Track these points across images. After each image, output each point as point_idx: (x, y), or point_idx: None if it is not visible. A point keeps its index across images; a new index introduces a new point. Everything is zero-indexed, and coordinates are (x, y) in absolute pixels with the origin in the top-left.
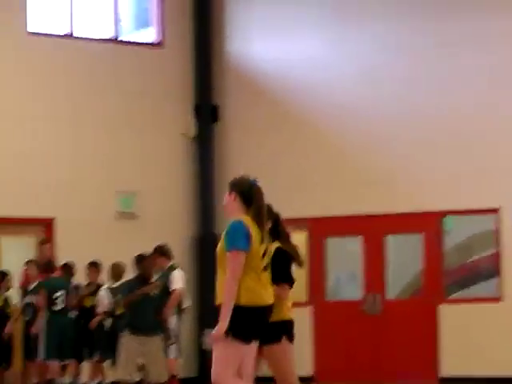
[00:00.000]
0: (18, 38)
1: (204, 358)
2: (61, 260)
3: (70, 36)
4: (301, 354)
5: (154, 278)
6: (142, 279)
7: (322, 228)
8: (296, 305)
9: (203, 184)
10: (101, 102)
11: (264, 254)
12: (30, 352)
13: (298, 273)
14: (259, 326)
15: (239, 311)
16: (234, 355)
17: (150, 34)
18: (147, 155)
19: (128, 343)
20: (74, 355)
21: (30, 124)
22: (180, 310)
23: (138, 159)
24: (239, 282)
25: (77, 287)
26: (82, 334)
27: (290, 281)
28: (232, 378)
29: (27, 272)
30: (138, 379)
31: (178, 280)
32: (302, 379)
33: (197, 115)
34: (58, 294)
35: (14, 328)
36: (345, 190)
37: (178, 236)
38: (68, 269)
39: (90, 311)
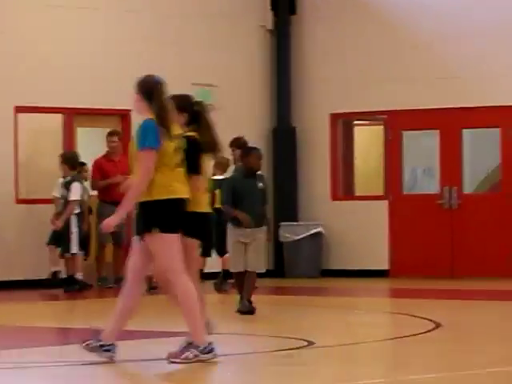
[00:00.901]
0: None
1: (281, 251)
2: None
3: None
4: (377, 247)
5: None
6: (250, 173)
7: (399, 121)
8: (372, 198)
9: (280, 76)
10: None
11: (177, 150)
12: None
13: (374, 167)
14: (180, 217)
15: (158, 205)
16: (173, 247)
17: None
18: (224, 47)
19: (234, 235)
20: None
21: (110, 16)
22: None
23: (215, 51)
24: (154, 178)
25: None
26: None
27: (197, 172)
28: (180, 272)
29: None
30: (242, 270)
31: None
32: (377, 272)
33: (274, 7)
34: None
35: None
36: (422, 84)
37: (255, 128)
38: None
39: None
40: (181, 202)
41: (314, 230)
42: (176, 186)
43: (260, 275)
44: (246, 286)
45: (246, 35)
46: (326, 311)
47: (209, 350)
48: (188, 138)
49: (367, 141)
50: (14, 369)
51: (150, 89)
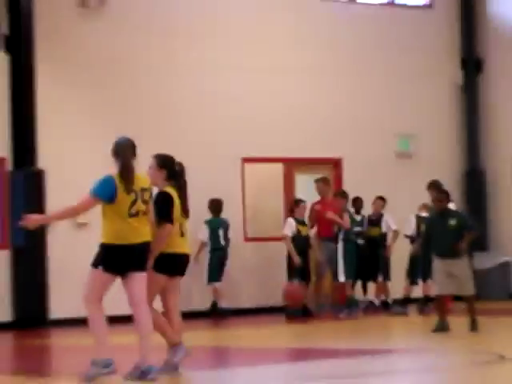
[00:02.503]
0: (307, 3)
1: (474, 276)
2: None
3: (353, 1)
4: None
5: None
6: (439, 212)
7: None
8: None
9: (470, 127)
10: (381, 57)
11: (135, 202)
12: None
13: None
14: (125, 261)
15: (106, 248)
16: (102, 283)
17: None
18: (421, 102)
19: (436, 265)
20: (364, 276)
21: (313, 81)
22: None
23: (413, 106)
24: (107, 225)
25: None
26: (368, 260)
27: (166, 220)
28: (94, 302)
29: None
30: (442, 293)
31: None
32: None
33: (463, 67)
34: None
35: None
36: None
37: (449, 172)
38: (358, 202)
39: (376, 240)
40: (128, 248)
41: (503, 260)
42: (127, 233)
43: (457, 297)
44: (468, 309)
45: (439, 92)
46: None
47: (107, 365)
48: (161, 192)
49: None
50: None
51: (116, 149)
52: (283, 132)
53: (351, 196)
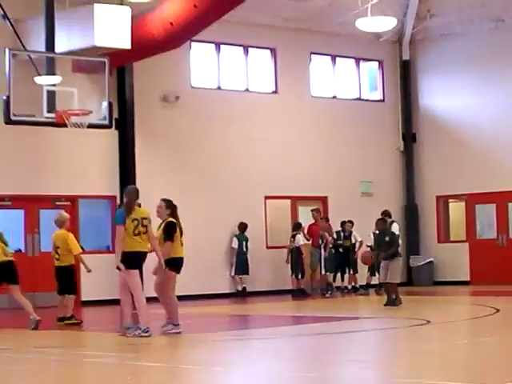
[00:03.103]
0: (305, 100)
1: (410, 271)
2: (333, 220)
3: (334, 98)
4: (461, 266)
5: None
6: (381, 233)
7: (473, 199)
8: (459, 241)
9: (408, 176)
10: (352, 132)
11: (137, 226)
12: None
13: (460, 225)
14: (136, 262)
15: (124, 254)
16: (134, 277)
17: (377, 94)
18: (377, 161)
19: (381, 264)
20: (340, 271)
21: (309, 147)
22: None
23: (372, 163)
24: (124, 239)
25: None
26: (343, 260)
27: (169, 239)
28: (140, 290)
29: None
30: (384, 281)
31: (396, 228)
32: (463, 282)
33: (403, 139)
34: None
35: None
36: (489, 176)
37: (394, 205)
38: (344, 225)
39: (349, 248)
40: (137, 254)
41: (428, 260)
42: (134, 244)
43: (400, 284)
44: (392, 291)
45: (388, 154)
46: (437, 304)
47: (147, 331)
48: (166, 221)
49: (456, 211)
50: (253, 340)
51: (125, 193)
52: (290, 180)
53: (337, 221)
